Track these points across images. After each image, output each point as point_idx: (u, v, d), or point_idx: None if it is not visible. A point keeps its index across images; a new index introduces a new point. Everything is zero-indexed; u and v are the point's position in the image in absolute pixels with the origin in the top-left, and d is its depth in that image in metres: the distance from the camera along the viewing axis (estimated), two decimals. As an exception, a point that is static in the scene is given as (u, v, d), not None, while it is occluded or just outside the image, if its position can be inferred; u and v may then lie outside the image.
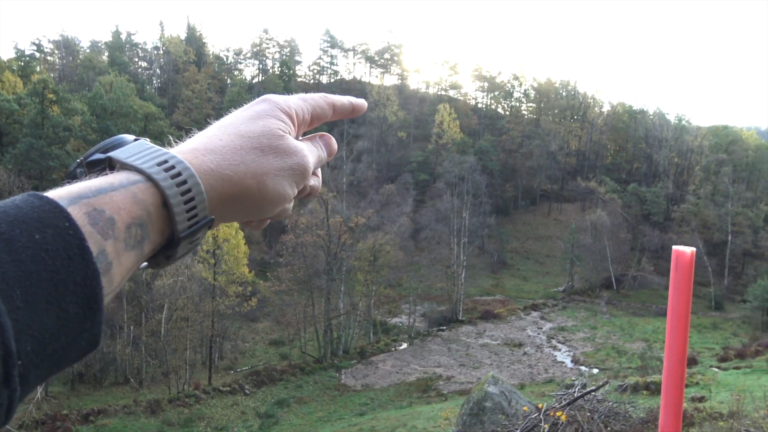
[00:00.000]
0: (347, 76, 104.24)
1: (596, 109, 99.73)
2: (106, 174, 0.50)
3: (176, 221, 0.51)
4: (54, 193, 0.45)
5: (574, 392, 9.55)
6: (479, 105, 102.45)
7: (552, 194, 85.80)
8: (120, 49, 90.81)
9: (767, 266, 61.90)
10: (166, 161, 0.51)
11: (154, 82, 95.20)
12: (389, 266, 45.31)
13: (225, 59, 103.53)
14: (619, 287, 60.38)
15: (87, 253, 0.42)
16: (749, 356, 29.90)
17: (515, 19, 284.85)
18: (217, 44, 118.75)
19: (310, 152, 0.67)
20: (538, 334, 45.49)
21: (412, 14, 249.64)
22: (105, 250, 0.45)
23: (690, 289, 0.67)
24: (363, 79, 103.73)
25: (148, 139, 0.57)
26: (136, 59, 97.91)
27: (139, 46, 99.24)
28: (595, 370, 34.36)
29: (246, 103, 0.62)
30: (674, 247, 0.68)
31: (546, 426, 8.19)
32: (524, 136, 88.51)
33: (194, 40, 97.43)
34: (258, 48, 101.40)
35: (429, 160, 77.77)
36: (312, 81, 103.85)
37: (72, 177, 0.52)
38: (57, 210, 0.42)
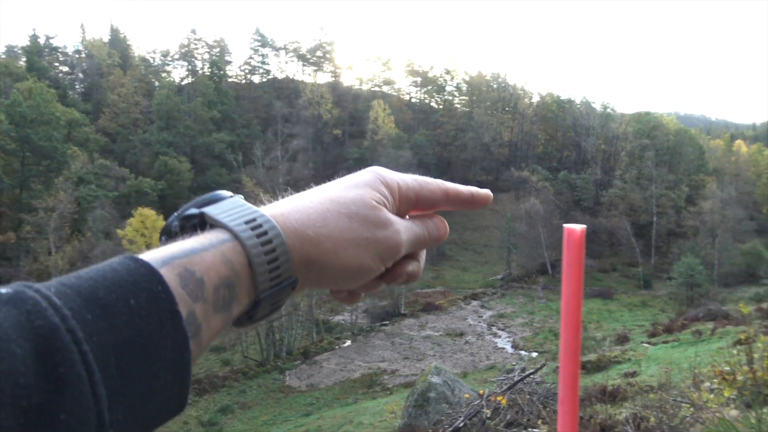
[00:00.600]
0: (279, 75, 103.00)
1: (526, 100, 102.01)
2: (198, 232, 0.50)
3: (258, 281, 0.50)
4: (149, 255, 0.45)
5: (514, 377, 9.77)
6: (413, 100, 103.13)
7: (487, 185, 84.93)
8: (38, 53, 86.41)
9: (690, 244, 65.02)
10: (254, 219, 0.51)
11: (77, 87, 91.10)
12: (330, 264, 44.96)
13: (152, 61, 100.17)
14: (554, 272, 62.11)
15: (178, 317, 0.42)
16: (676, 330, 31.29)
17: (446, 14, 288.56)
18: (142, 46, 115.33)
19: (407, 230, 0.62)
20: (479, 322, 46.31)
21: (344, 11, 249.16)
22: (194, 312, 0.45)
23: (582, 265, 0.68)
24: (296, 78, 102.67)
25: (242, 197, 0.56)
26: (57, 64, 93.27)
27: (59, 49, 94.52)
28: (535, 354, 35.26)
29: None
30: (565, 226, 0.69)
31: (488, 411, 8.32)
32: (458, 129, 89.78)
33: (118, 42, 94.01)
34: (186, 49, 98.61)
35: (366, 156, 77.79)
36: (244, 81, 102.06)
37: (167, 231, 0.53)
38: (151, 273, 0.42)
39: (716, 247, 63.52)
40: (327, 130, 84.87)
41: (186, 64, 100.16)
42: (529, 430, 7.16)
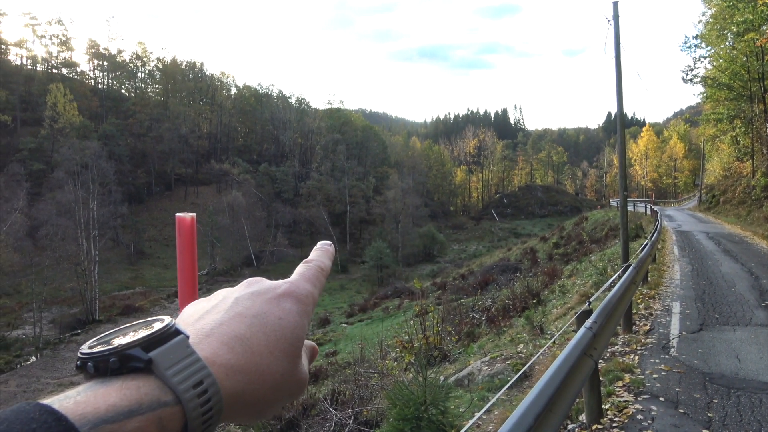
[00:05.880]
0: None
1: (224, 91, 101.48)
2: (137, 378, 0.45)
3: None
4: (77, 408, 0.41)
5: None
6: (99, 86, 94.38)
7: (187, 178, 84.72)
8: None
9: (378, 230, 72.29)
10: (201, 382, 0.46)
11: None
12: (2, 272, 39.16)
13: None
14: (259, 263, 63.29)
15: None
16: (369, 308, 34.67)
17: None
18: None
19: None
20: (185, 320, 44.87)
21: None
22: None
23: (194, 251, 0.69)
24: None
25: (189, 335, 0.49)
26: None
27: None
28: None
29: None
30: (177, 215, 0.70)
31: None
32: (153, 120, 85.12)
33: None
34: None
35: (44, 147, 68.80)
36: None
37: (103, 363, 0.47)
38: None
39: (399, 231, 71.79)
40: (-9, 116, 72.81)
41: None
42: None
